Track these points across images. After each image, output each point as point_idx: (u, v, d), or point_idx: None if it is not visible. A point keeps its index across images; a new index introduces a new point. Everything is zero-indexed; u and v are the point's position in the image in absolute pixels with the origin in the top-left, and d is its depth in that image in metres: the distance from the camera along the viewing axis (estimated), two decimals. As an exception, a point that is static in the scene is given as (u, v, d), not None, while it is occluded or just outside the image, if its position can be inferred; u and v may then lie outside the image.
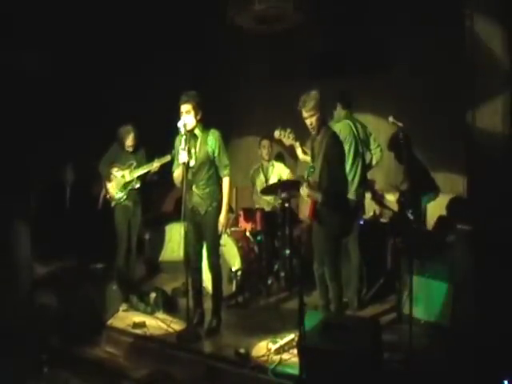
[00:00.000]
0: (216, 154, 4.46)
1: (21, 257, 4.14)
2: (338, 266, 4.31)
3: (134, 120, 5.39)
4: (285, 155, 6.68)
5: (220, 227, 4.50)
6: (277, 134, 4.51)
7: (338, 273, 4.32)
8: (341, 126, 4.80)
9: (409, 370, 3.61)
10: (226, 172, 4.51)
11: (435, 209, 5.66)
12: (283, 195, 5.53)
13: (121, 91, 6.28)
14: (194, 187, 4.45)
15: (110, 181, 5.30)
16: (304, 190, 4.12)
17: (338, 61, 6.62)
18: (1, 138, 5.02)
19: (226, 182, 4.51)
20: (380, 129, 5.97)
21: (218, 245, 4.72)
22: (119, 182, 5.28)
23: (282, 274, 5.77)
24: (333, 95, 4.92)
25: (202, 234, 4.54)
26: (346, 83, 6.15)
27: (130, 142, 5.32)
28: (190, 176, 4.38)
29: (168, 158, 4.87)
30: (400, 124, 4.15)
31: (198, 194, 4.46)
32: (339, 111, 5.01)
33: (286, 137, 4.50)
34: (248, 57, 7.33)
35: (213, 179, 4.50)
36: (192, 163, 4.39)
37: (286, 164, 6.49)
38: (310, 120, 4.18)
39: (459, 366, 3.54)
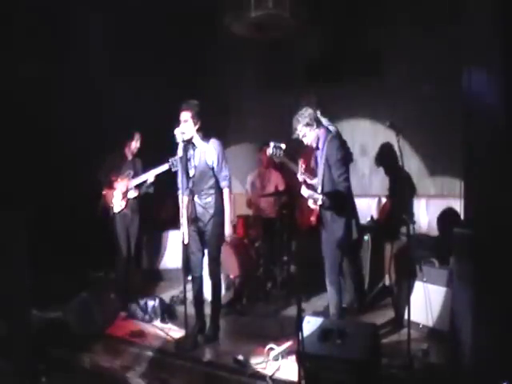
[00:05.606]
0: (215, 165, 4.40)
1: (17, 265, 4.14)
2: (337, 271, 4.34)
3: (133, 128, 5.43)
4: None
5: (228, 239, 4.54)
6: (269, 151, 4.49)
7: (337, 279, 4.36)
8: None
9: (408, 375, 3.60)
10: (225, 183, 4.44)
11: (433, 213, 5.67)
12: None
13: (117, 99, 6.26)
14: (195, 197, 4.43)
15: (109, 189, 5.31)
16: (304, 191, 4.16)
17: (335, 67, 6.64)
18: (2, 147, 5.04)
19: (226, 193, 4.45)
20: (377, 134, 6.00)
21: (220, 253, 4.65)
22: (118, 190, 5.29)
23: (280, 281, 5.76)
24: (332, 101, 4.94)
25: (204, 242, 4.51)
26: (343, 89, 6.19)
27: (133, 147, 5.37)
28: (191, 185, 4.39)
29: (165, 167, 4.84)
30: (397, 128, 4.16)
31: (199, 204, 4.43)
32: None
33: (277, 156, 4.46)
34: (245, 64, 7.35)
35: (214, 189, 4.44)
36: (192, 173, 4.39)
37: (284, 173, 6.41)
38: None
39: (458, 369, 3.54)
